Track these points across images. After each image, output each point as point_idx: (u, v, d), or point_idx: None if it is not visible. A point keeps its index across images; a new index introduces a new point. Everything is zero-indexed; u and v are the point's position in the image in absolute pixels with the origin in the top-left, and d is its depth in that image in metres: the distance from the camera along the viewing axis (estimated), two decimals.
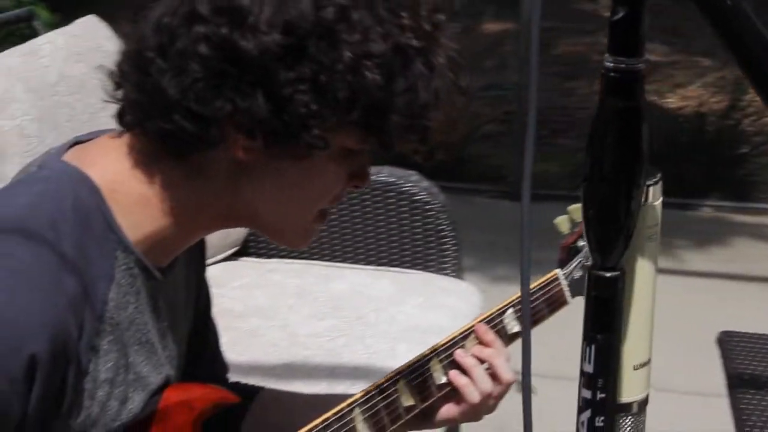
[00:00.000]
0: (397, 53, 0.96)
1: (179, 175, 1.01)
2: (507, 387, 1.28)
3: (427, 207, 2.19)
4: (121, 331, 1.01)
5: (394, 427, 1.23)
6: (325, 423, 1.16)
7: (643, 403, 0.90)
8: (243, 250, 2.32)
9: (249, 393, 1.33)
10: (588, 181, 0.81)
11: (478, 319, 1.31)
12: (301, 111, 0.94)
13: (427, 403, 1.25)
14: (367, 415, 1.19)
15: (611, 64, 0.78)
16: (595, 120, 0.80)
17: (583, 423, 0.85)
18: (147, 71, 0.96)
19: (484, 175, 4.42)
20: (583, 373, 0.85)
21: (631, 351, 0.88)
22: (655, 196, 0.85)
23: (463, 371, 1.26)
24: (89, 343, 0.96)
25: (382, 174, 2.22)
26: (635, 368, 0.88)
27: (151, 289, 1.04)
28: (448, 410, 1.28)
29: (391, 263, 2.25)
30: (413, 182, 2.20)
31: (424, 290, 2.13)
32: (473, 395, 1.25)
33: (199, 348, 1.26)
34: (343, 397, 1.20)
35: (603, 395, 0.85)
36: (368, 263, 2.26)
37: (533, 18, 0.78)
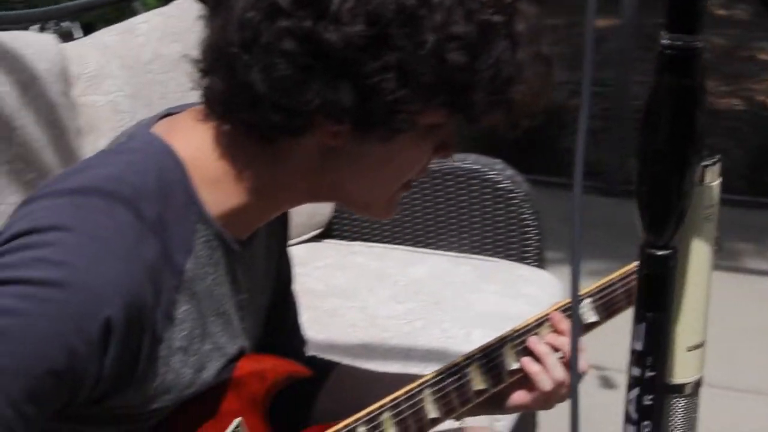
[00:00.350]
0: (480, 31, 0.95)
1: (264, 157, 1.02)
2: (579, 378, 1.27)
3: (511, 195, 2.19)
4: (198, 301, 1.03)
5: (463, 409, 1.24)
6: (394, 402, 1.18)
7: (697, 385, 0.89)
8: (327, 232, 2.36)
9: (325, 367, 1.35)
10: (641, 159, 0.81)
11: (554, 307, 1.31)
12: (387, 98, 0.94)
13: (497, 388, 1.26)
14: (437, 396, 1.20)
15: (668, 41, 0.78)
16: (650, 98, 0.80)
17: (631, 401, 0.85)
18: (232, 66, 0.96)
19: None
20: (633, 351, 0.85)
21: (685, 332, 0.87)
22: (712, 177, 0.85)
23: (536, 358, 1.26)
24: (165, 311, 0.98)
25: (466, 161, 2.23)
26: (689, 349, 0.87)
27: (230, 262, 1.06)
28: (520, 397, 1.28)
29: (472, 250, 2.25)
30: (498, 170, 2.21)
31: (503, 278, 2.13)
32: (545, 383, 1.24)
33: (278, 320, 1.29)
34: (418, 377, 1.22)
35: (652, 374, 0.84)
36: (450, 249, 2.27)
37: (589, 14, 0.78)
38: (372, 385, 1.26)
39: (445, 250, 2.27)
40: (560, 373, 1.24)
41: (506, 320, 1.94)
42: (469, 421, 1.64)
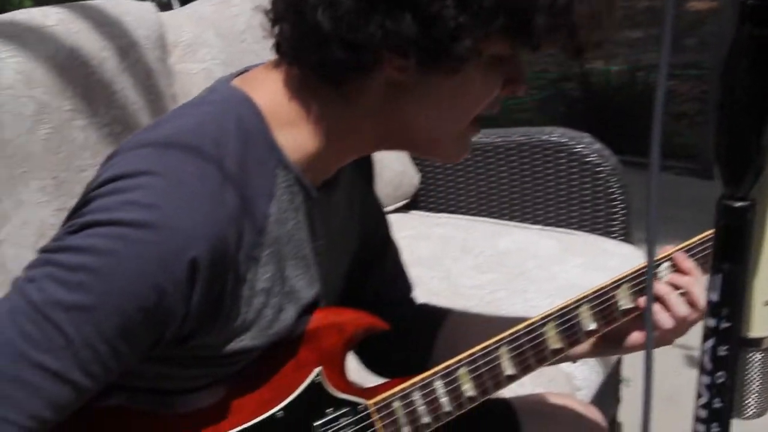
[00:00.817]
0: None
1: (335, 99, 1.05)
2: (702, 314, 1.24)
3: (598, 169, 2.18)
4: (280, 245, 1.06)
5: (541, 366, 1.23)
6: (471, 357, 1.19)
7: None
8: (413, 203, 2.39)
9: (439, 314, 1.38)
10: (720, 111, 0.81)
11: (633, 270, 1.29)
12: (449, 25, 0.96)
13: (572, 348, 1.26)
14: (513, 353, 1.21)
15: None
16: (731, 49, 0.80)
17: (706, 351, 0.86)
18: (301, 10, 1.00)
19: (674, 152, 4.32)
20: (709, 301, 0.85)
21: (763, 286, 0.87)
22: None
23: (656, 298, 1.24)
24: (248, 254, 1.02)
25: (554, 135, 2.23)
26: (767, 304, 0.88)
27: (309, 208, 1.10)
28: (639, 336, 1.27)
29: (557, 224, 2.26)
30: (585, 144, 2.20)
31: (588, 251, 2.13)
32: (665, 321, 1.23)
33: (375, 270, 1.32)
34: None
35: (727, 325, 0.84)
36: (535, 222, 2.28)
37: None
38: (488, 331, 1.26)
39: (530, 223, 2.28)
40: (683, 310, 1.23)
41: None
42: (553, 388, 1.66)
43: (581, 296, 1.26)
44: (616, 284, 1.26)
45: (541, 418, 1.46)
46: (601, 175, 2.18)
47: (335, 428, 1.16)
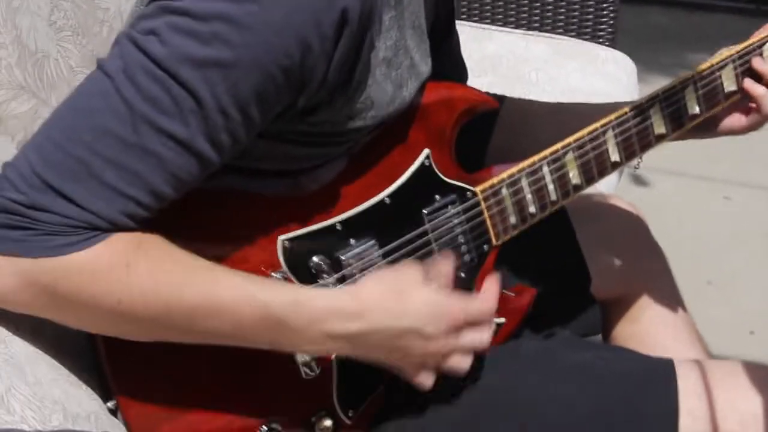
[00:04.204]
0: None
1: None
2: None
3: None
4: (403, 8, 0.95)
5: (643, 153, 1.17)
6: (579, 142, 1.12)
7: None
8: None
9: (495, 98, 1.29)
10: None
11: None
12: None
13: (680, 131, 1.19)
14: (619, 138, 1.14)
15: None
16: None
17: None
18: None
19: None
20: None
21: None
22: None
23: (759, 79, 1.17)
24: (380, 13, 0.90)
25: None
26: None
27: None
28: (735, 120, 1.21)
29: (542, 28, 2.15)
30: None
31: (580, 56, 2.04)
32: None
33: (441, 48, 1.21)
34: (583, 107, 1.15)
35: None
36: (518, 27, 2.16)
37: None
38: (541, 115, 1.19)
39: (512, 28, 2.16)
40: None
41: (593, 95, 1.88)
42: None
43: (686, 77, 1.18)
44: (720, 65, 1.18)
45: (590, 218, 1.41)
46: None
47: (444, 215, 1.06)
